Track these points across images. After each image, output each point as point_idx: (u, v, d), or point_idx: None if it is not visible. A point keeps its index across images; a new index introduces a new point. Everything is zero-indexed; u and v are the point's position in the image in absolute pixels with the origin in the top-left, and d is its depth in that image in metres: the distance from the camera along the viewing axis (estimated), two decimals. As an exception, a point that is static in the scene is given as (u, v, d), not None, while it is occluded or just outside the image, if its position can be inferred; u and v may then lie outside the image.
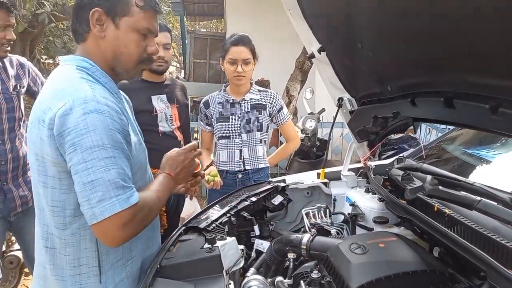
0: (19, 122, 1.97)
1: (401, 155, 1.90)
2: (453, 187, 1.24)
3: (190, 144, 1.30)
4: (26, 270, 3.12)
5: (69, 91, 1.00)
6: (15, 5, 1.84)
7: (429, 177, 1.37)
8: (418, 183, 1.36)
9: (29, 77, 2.04)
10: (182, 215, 2.40)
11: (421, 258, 1.03)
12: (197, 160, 1.32)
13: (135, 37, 1.12)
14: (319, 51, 1.66)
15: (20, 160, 1.97)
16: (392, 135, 4.16)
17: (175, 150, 1.27)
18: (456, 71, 0.93)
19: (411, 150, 1.93)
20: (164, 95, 2.11)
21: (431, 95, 1.11)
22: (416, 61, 1.07)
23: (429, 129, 5.11)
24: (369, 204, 1.62)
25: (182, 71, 12.83)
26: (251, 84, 2.32)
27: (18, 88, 1.97)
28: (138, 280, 1.20)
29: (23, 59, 2.08)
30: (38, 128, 1.02)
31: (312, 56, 1.75)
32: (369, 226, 1.58)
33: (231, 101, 2.27)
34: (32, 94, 2.11)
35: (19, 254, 2.82)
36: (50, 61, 10.89)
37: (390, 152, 3.72)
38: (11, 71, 1.96)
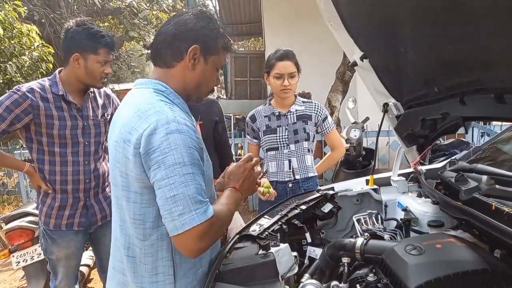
0: (102, 146, 2.20)
1: (453, 157, 1.85)
2: (511, 185, 1.20)
3: (245, 155, 1.36)
4: (89, 285, 3.31)
5: (152, 113, 1.08)
6: (114, 44, 2.07)
7: (484, 177, 1.34)
8: (473, 183, 1.33)
9: (113, 106, 2.28)
10: None
11: (481, 257, 1.01)
12: (258, 168, 1.36)
13: (214, 72, 1.27)
14: (362, 58, 1.68)
15: (101, 178, 2.17)
16: (442, 141, 4.03)
17: (232, 164, 1.34)
18: (507, 67, 0.93)
19: (464, 152, 1.87)
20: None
21: (480, 92, 1.10)
22: (463, 60, 1.07)
23: (481, 133, 4.88)
24: (423, 208, 1.60)
25: (223, 90, 13.16)
26: (295, 96, 2.37)
27: (105, 116, 2.21)
28: None
29: (109, 91, 2.34)
30: (124, 148, 1.11)
31: (355, 64, 1.77)
32: (424, 230, 1.55)
33: (277, 113, 2.33)
34: None
35: (83, 269, 3.01)
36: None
37: (441, 158, 3.59)
38: (100, 101, 2.21)
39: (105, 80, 2.08)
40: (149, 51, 1.31)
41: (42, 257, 2.57)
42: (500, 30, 0.86)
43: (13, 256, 2.72)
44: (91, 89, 2.14)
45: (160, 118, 1.07)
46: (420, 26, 1.19)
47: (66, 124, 2.01)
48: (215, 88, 1.39)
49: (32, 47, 5.43)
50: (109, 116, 2.22)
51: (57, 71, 2.10)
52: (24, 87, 1.96)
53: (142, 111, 1.10)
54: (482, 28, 0.91)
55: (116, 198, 1.20)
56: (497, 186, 1.23)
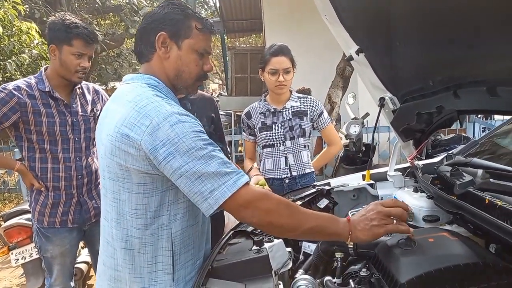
0: (93, 142, 2.19)
1: (450, 152, 1.83)
2: (506, 179, 1.19)
3: (399, 201, 1.24)
4: (89, 282, 3.33)
5: (151, 108, 1.08)
6: (92, 37, 2.01)
7: (480, 171, 1.32)
8: (468, 177, 1.32)
9: (102, 102, 2.27)
10: None
11: (473, 251, 1.00)
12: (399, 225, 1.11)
13: (194, 57, 1.22)
14: (358, 52, 1.66)
15: (93, 174, 2.17)
16: (443, 136, 4.00)
17: (381, 201, 1.20)
18: (498, 58, 0.92)
19: (461, 146, 1.86)
20: None
21: (474, 85, 1.09)
22: (456, 52, 1.06)
23: (483, 128, 4.86)
24: (418, 203, 1.58)
25: (225, 87, 13.16)
26: (291, 92, 2.35)
27: (94, 111, 2.20)
28: None
29: (98, 87, 2.32)
30: (122, 142, 1.09)
31: (351, 58, 1.75)
32: (420, 225, 1.54)
33: (273, 110, 2.32)
34: None
35: (82, 266, 3.02)
36: (103, 87, 11.67)
37: (442, 154, 3.56)
38: (89, 97, 2.20)
39: (83, 74, 2.04)
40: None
41: (40, 254, 2.58)
42: (490, 22, 0.84)
43: (12, 254, 2.73)
44: (79, 85, 2.12)
45: (160, 113, 1.07)
46: (415, 20, 1.18)
47: (54, 121, 2.01)
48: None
49: (32, 45, 5.44)
50: (99, 112, 2.20)
51: (43, 68, 2.09)
52: (11, 85, 1.96)
53: (141, 106, 1.09)
54: (475, 22, 0.90)
55: (113, 192, 1.18)
56: (491, 180, 1.22)
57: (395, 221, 1.13)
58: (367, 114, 4.23)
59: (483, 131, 4.89)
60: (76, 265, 2.82)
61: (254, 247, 1.30)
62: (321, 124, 2.35)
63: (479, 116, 5.41)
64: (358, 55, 1.67)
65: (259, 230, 1.52)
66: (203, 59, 1.25)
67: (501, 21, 0.82)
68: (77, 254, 2.91)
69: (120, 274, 1.21)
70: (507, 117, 3.79)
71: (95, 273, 2.50)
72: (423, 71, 1.35)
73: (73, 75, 2.01)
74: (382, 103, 1.76)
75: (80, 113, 2.10)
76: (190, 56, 1.21)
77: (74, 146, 2.08)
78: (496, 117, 5.08)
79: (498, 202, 1.05)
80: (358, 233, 1.11)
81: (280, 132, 2.28)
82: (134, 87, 1.18)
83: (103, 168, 1.21)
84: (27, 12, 6.26)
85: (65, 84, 2.07)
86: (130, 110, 1.10)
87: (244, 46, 14.66)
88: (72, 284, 2.27)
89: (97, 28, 8.33)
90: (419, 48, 1.27)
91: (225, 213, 2.47)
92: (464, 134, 3.91)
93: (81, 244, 2.91)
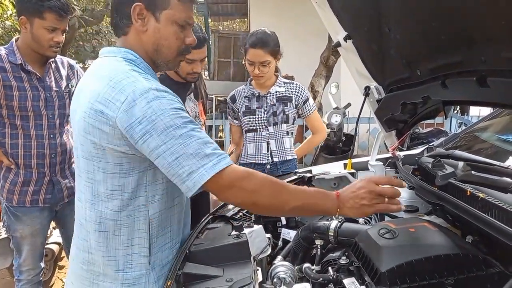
0: (67, 118, 2.08)
1: (431, 144, 1.84)
2: (487, 172, 1.19)
3: (393, 178, 1.20)
4: (60, 263, 3.24)
5: (127, 84, 1.02)
6: (66, 9, 1.88)
7: (461, 163, 1.33)
8: (449, 169, 1.32)
9: (77, 77, 2.15)
10: None
11: (453, 242, 1.00)
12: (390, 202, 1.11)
13: (175, 29, 1.14)
14: (345, 39, 1.63)
15: (67, 153, 2.08)
16: (421, 129, 4.06)
17: (374, 177, 1.16)
18: (489, 47, 0.90)
19: (442, 139, 1.87)
20: (192, 94, 2.16)
21: (463, 75, 1.07)
22: (446, 39, 1.04)
23: (459, 123, 4.96)
24: (398, 193, 1.58)
25: (206, 71, 12.94)
26: (277, 77, 2.31)
27: (69, 87, 2.09)
28: None
29: (72, 62, 2.21)
30: (95, 119, 1.03)
31: (338, 44, 1.73)
32: (399, 215, 1.54)
33: (257, 94, 2.28)
34: None
35: (54, 247, 2.94)
36: (80, 65, 11.31)
37: (420, 147, 3.62)
38: (63, 72, 2.09)
39: (57, 49, 1.94)
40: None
41: (9, 233, 2.48)
42: (483, 6, 0.82)
43: (-21, 232, 2.62)
44: (52, 59, 2.02)
45: (136, 88, 1.00)
46: (405, 4, 1.15)
47: (27, 95, 1.90)
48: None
49: (5, 16, 5.18)
50: (74, 88, 2.10)
51: (14, 39, 1.97)
52: None
53: (116, 82, 1.02)
54: (466, 5, 0.88)
55: (87, 172, 1.12)
56: (473, 172, 1.22)
57: (386, 199, 1.10)
58: (349, 104, 4.25)
59: (459, 126, 4.99)
60: (47, 246, 2.74)
61: (233, 232, 1.27)
62: (306, 111, 2.33)
63: (455, 111, 5.52)
64: (346, 42, 1.64)
65: (239, 216, 1.50)
66: (185, 32, 1.16)
67: (494, 4, 0.80)
68: (49, 235, 2.84)
69: (93, 257, 1.16)
70: (483, 113, 3.87)
71: (66, 254, 2.44)
72: (411, 59, 1.33)
73: (46, 49, 1.90)
74: (367, 92, 1.74)
75: (54, 88, 2.00)
76: (169, 28, 1.13)
77: (48, 123, 1.98)
78: (472, 112, 5.20)
79: (480, 194, 1.05)
80: (346, 210, 1.09)
81: (263, 117, 2.25)
82: (110, 61, 1.11)
83: (77, 146, 1.15)
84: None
85: (38, 57, 1.96)
86: (105, 85, 1.03)
87: (228, 30, 14.43)
88: (42, 265, 2.20)
89: (75, 3, 8.00)
90: (409, 34, 1.25)
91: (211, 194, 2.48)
92: (441, 128, 3.98)
93: (53, 224, 2.83)
